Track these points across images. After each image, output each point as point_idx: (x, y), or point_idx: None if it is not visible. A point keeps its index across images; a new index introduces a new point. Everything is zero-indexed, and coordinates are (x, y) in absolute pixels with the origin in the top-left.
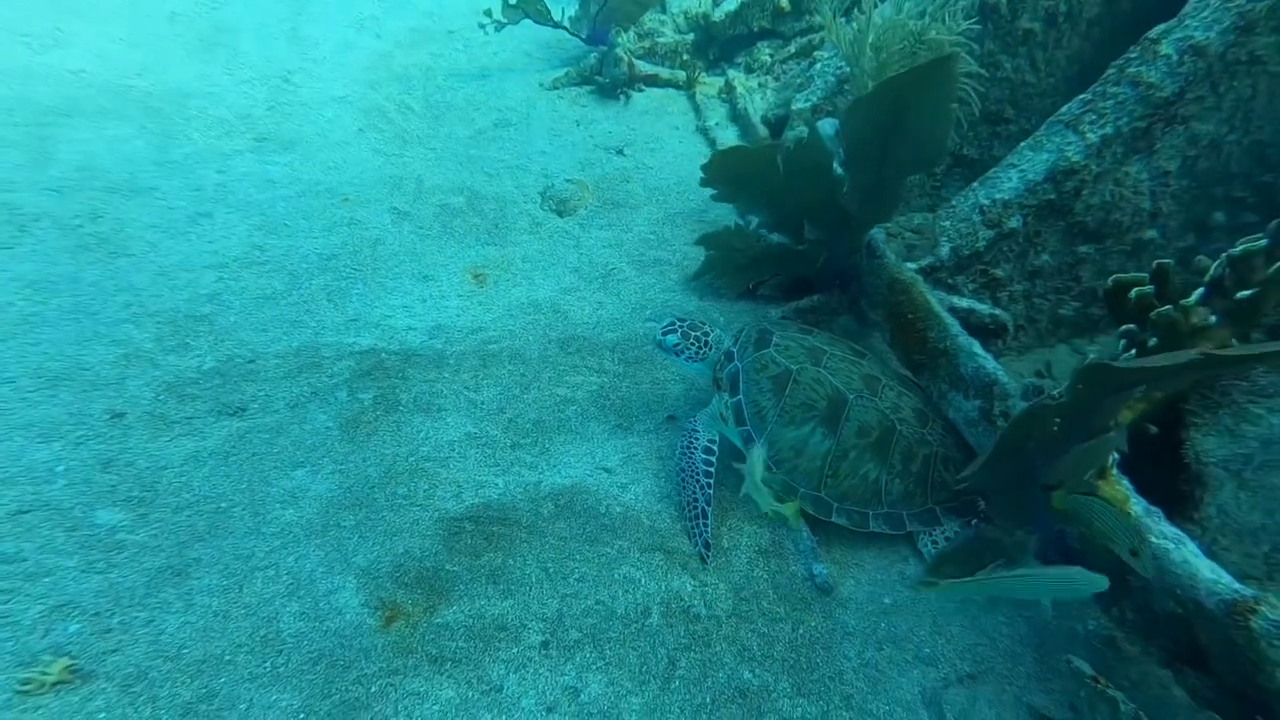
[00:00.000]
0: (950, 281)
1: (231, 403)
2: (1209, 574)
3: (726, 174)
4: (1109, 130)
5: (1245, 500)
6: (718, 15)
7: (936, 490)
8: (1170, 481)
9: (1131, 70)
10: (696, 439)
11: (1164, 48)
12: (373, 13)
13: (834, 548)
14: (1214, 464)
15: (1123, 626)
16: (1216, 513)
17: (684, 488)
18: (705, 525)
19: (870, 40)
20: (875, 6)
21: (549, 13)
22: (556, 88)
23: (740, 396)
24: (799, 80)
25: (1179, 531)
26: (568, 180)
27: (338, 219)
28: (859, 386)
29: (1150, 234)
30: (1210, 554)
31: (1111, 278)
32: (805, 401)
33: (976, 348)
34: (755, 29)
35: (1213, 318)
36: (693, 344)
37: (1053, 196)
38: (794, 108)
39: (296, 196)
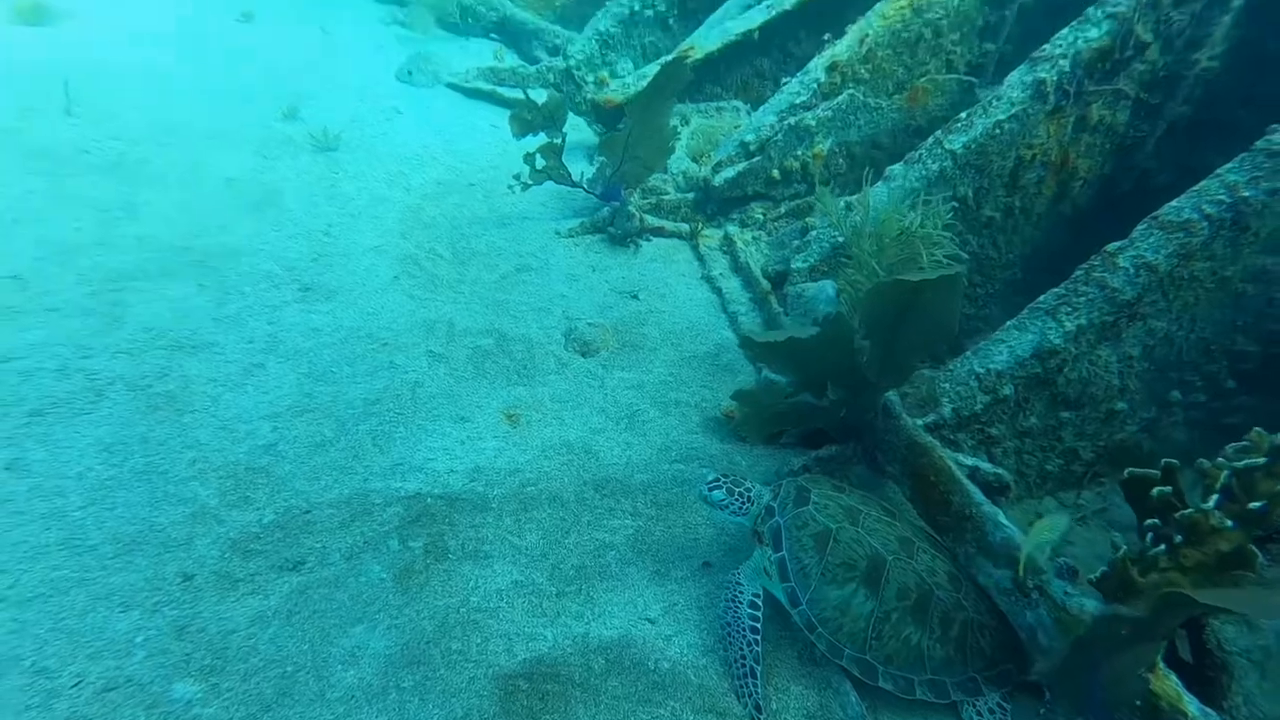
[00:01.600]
0: (952, 438)
1: (291, 557)
2: None
3: (759, 349)
4: (1083, 321)
5: (1269, 690)
6: (717, 180)
7: (974, 658)
8: (1197, 665)
9: (1097, 275)
10: (741, 593)
11: (1122, 261)
12: (400, 169)
13: (880, 713)
14: (1236, 653)
15: None
16: (1243, 701)
17: (730, 644)
18: (755, 684)
19: (869, 230)
20: (869, 195)
21: (569, 175)
22: (572, 235)
23: (784, 553)
24: (795, 241)
25: None
26: (589, 323)
27: (379, 363)
28: (895, 548)
29: (1120, 405)
30: None
31: (1127, 471)
32: (846, 561)
33: (1001, 517)
34: (750, 192)
35: (1229, 522)
36: (737, 499)
37: (1039, 370)
38: (793, 266)
39: (340, 343)
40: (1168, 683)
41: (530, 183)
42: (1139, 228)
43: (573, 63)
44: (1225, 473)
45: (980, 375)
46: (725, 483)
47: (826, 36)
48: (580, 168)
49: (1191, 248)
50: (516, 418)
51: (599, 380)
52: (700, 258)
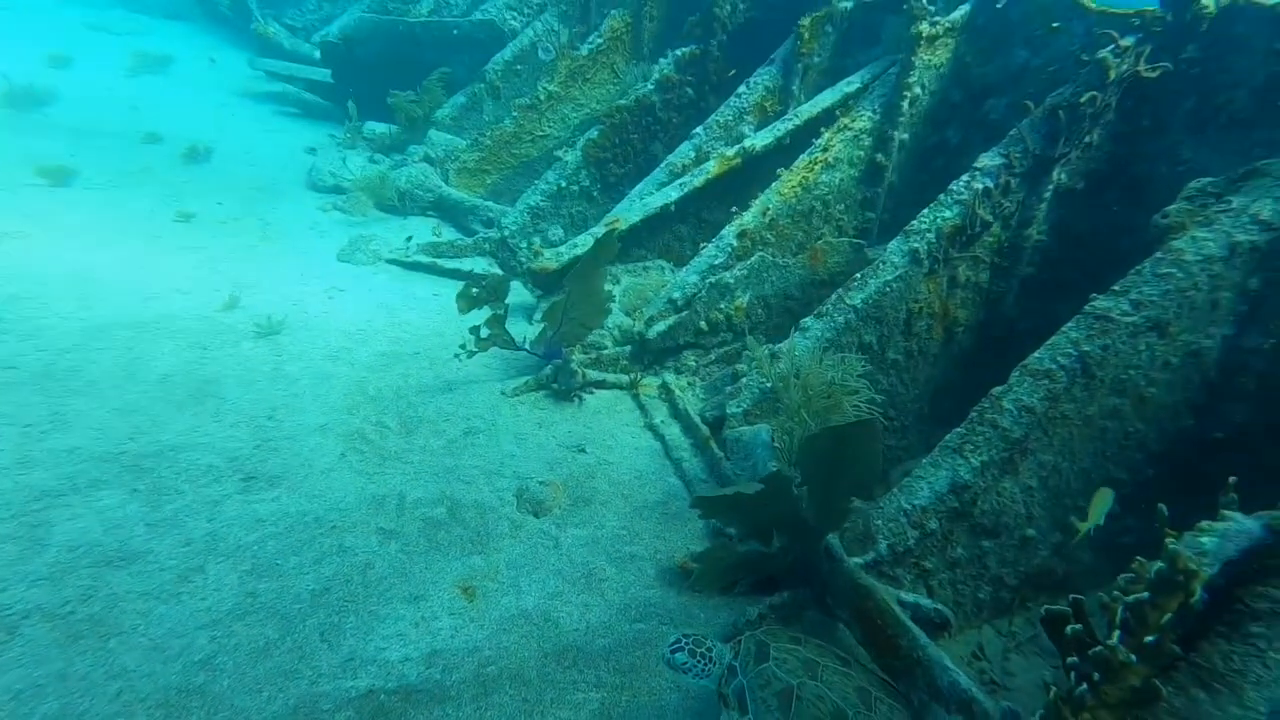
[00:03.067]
0: (892, 574)
1: None
2: None
3: (709, 506)
4: (985, 457)
5: None
6: (651, 334)
7: None
8: None
9: (989, 416)
10: None
11: (1006, 403)
12: (344, 344)
13: None
14: None
15: None
16: None
17: None
18: None
19: (795, 379)
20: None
21: (513, 340)
22: (517, 394)
23: (750, 716)
24: (727, 387)
25: None
26: (540, 482)
27: (327, 549)
28: (855, 701)
29: (1030, 532)
30: None
31: (1044, 609)
32: (810, 717)
33: (947, 660)
34: (681, 342)
35: (1133, 656)
36: (699, 660)
37: (956, 504)
38: (729, 411)
39: (285, 533)
40: None
41: (475, 350)
42: (1014, 375)
43: (507, 233)
44: (1120, 607)
45: (908, 511)
46: (687, 644)
47: (734, 209)
48: (520, 327)
49: (1056, 391)
50: (472, 591)
51: (553, 540)
52: (641, 406)
